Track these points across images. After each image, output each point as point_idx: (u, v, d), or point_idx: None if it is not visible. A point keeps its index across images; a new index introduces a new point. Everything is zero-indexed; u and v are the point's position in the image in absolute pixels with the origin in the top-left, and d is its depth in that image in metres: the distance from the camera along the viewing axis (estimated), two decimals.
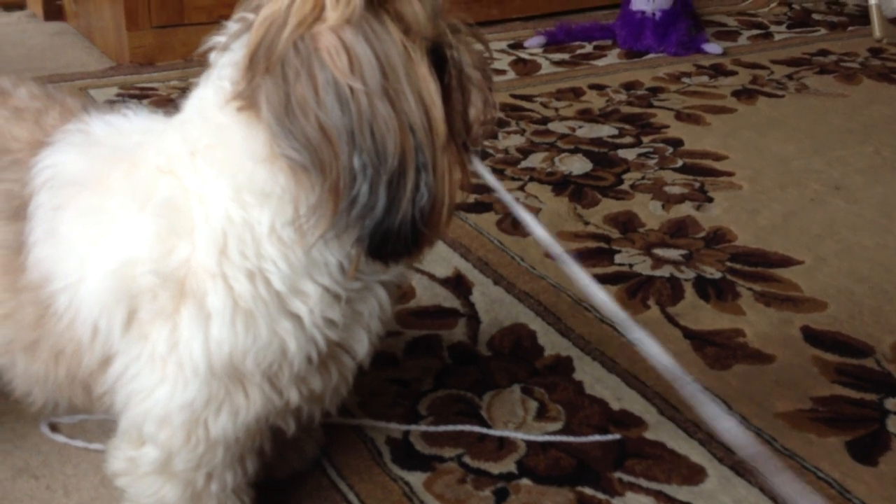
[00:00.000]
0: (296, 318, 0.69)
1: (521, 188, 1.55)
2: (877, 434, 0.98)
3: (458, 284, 1.26)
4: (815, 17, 2.64)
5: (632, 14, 2.30)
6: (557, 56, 2.26)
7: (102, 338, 0.72)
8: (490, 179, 0.73)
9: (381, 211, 0.64)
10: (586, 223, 1.44)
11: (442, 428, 0.97)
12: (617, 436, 0.97)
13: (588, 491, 0.90)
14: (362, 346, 0.75)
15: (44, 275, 0.72)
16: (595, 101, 1.96)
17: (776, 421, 1.00)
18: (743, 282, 1.27)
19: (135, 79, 2.02)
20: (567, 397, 1.04)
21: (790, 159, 1.69)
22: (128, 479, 0.77)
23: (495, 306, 1.21)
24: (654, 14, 2.27)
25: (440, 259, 1.32)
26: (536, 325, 1.17)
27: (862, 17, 2.53)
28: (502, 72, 2.14)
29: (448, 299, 1.23)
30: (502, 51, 2.29)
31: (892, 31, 2.41)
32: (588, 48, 2.33)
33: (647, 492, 0.90)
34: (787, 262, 1.33)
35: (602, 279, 1.27)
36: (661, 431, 0.98)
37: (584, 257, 1.33)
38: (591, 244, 1.37)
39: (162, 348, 0.69)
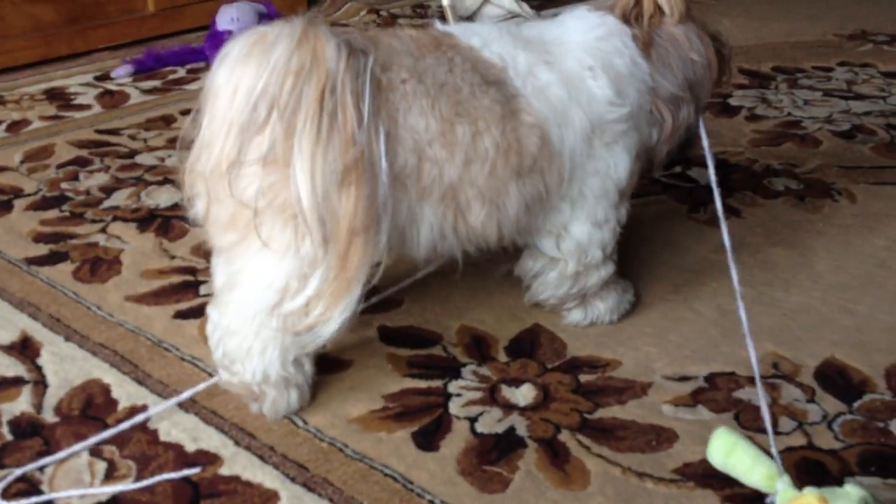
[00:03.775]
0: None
1: (103, 230, 1.46)
2: (440, 419, 1.04)
3: (23, 348, 1.16)
4: (401, 21, 2.79)
5: (219, 35, 2.26)
6: (148, 84, 2.18)
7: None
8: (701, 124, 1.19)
9: (694, 127, 1.17)
10: (172, 257, 1.39)
11: None
12: (193, 471, 0.94)
13: None
14: None
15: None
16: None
17: (350, 426, 1.02)
18: None
19: None
20: (140, 450, 0.99)
21: None
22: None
23: (66, 365, 1.13)
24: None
25: (4, 322, 1.21)
26: (111, 377, 1.11)
27: (444, 18, 2.70)
28: (86, 107, 2.02)
29: (11, 367, 1.12)
30: (87, 84, 2.17)
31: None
32: (181, 72, 2.27)
33: None
34: None
35: (186, 313, 1.23)
36: (237, 464, 0.97)
37: (169, 293, 1.28)
38: (176, 279, 1.32)
39: None
